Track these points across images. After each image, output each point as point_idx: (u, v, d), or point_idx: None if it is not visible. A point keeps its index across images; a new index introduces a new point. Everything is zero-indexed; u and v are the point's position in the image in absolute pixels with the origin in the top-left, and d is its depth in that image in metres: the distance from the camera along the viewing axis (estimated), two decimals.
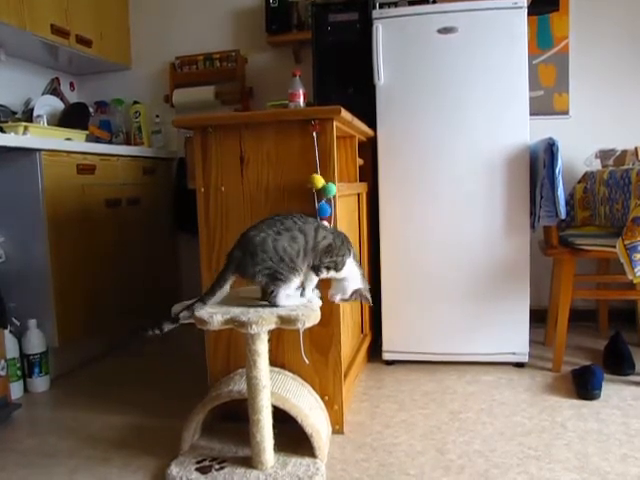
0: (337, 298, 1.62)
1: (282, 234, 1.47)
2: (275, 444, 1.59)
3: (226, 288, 1.51)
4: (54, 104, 3.13)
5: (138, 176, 3.12)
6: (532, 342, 2.45)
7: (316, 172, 1.74)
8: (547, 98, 2.99)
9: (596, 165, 2.63)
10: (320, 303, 1.57)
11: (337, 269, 1.55)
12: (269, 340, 1.54)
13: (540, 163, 2.21)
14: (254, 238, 1.46)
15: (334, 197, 1.75)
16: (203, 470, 1.58)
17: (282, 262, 1.46)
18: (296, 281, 1.50)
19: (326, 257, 1.52)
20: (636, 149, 2.46)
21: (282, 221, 1.50)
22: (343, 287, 1.61)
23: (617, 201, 2.19)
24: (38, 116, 2.90)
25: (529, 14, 2.29)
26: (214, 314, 1.45)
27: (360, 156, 2.35)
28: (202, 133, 1.85)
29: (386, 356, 2.50)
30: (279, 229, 1.47)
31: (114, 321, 2.83)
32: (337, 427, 1.84)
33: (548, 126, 2.94)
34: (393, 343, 2.48)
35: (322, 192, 1.72)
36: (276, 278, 1.47)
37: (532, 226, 2.33)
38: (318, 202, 1.73)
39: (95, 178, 2.73)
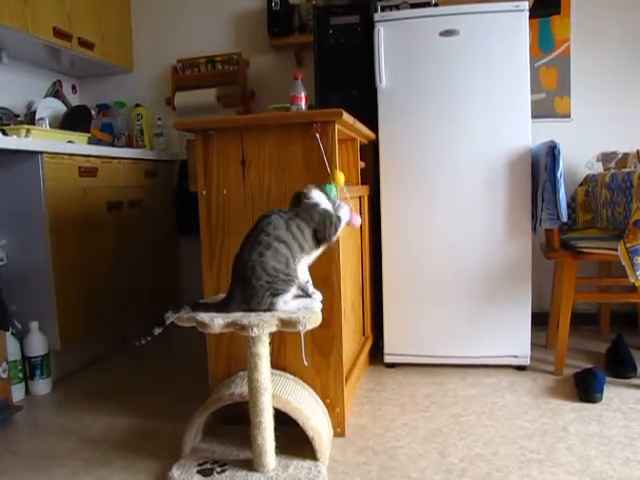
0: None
1: (264, 253, 1.46)
2: (276, 447, 1.59)
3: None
4: (56, 107, 3.14)
5: (140, 179, 3.13)
6: (534, 345, 2.44)
7: (318, 174, 1.74)
8: (549, 101, 2.99)
9: (598, 168, 2.63)
10: (321, 306, 1.57)
11: (335, 227, 1.58)
12: (270, 342, 1.54)
13: (542, 166, 2.21)
14: (245, 271, 1.47)
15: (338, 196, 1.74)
16: (204, 473, 1.58)
17: (277, 278, 1.47)
18: (293, 290, 1.52)
19: (325, 232, 1.56)
20: (638, 152, 2.46)
21: (257, 239, 1.48)
22: None
23: (619, 204, 2.19)
24: (40, 119, 2.90)
25: (530, 17, 2.29)
26: (215, 317, 1.45)
27: (362, 159, 2.35)
28: (204, 136, 1.85)
29: (387, 359, 2.50)
30: (260, 250, 1.46)
31: (115, 323, 2.83)
32: (338, 430, 1.84)
33: (550, 129, 2.94)
34: (394, 346, 2.48)
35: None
36: (276, 294, 1.48)
37: (534, 229, 2.33)
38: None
39: (97, 181, 2.73)
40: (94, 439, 1.91)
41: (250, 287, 1.47)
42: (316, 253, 1.58)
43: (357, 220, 1.76)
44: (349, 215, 1.65)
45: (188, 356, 2.79)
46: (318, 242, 1.56)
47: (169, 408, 2.14)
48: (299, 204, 1.58)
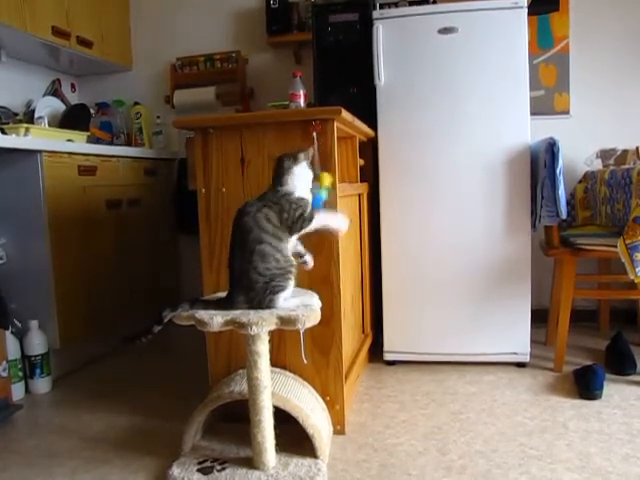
0: None
1: (252, 260, 1.47)
2: (276, 445, 1.59)
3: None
4: (55, 105, 3.14)
5: (139, 177, 3.13)
6: (533, 342, 2.44)
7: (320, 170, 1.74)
8: (548, 98, 2.99)
9: (597, 165, 2.63)
10: (320, 303, 1.57)
11: (307, 217, 1.52)
12: (270, 340, 1.54)
13: (541, 163, 2.21)
14: (242, 278, 1.48)
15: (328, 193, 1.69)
16: (204, 471, 1.58)
17: (274, 275, 1.48)
18: (292, 283, 1.52)
19: (293, 224, 1.50)
20: (637, 148, 2.46)
21: (241, 247, 1.48)
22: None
23: (618, 201, 2.19)
24: (39, 117, 2.90)
25: (529, 14, 2.29)
26: (214, 315, 1.45)
27: (361, 156, 2.35)
28: (203, 134, 1.85)
29: (387, 356, 2.50)
30: (247, 258, 1.47)
31: (115, 322, 2.83)
32: (338, 427, 1.84)
33: (549, 126, 2.93)
34: (394, 343, 2.48)
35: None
36: (276, 292, 1.49)
37: (533, 226, 2.33)
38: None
39: (96, 179, 2.73)
40: (94, 437, 1.91)
41: (251, 290, 1.48)
42: (295, 238, 1.54)
43: (342, 226, 1.65)
44: (326, 220, 1.59)
45: (187, 354, 2.80)
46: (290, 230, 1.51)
47: (169, 406, 2.14)
48: (275, 186, 1.54)
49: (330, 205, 1.75)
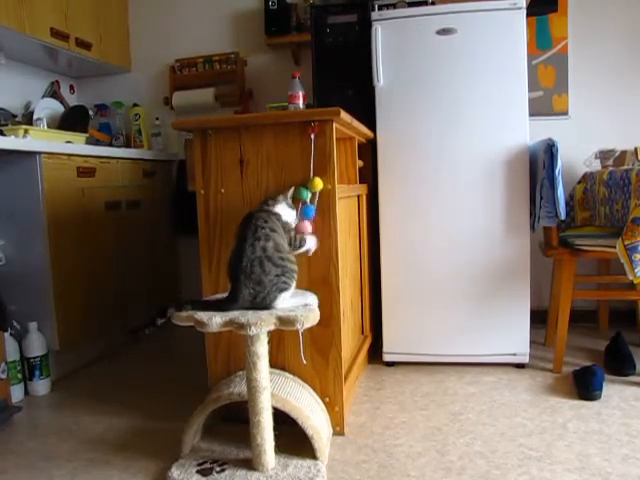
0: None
1: (266, 247, 1.50)
2: (276, 446, 1.59)
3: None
4: (54, 107, 3.14)
5: (138, 179, 3.13)
6: (532, 343, 2.45)
7: (315, 173, 1.75)
8: (546, 99, 2.99)
9: (596, 166, 2.63)
10: (317, 302, 1.58)
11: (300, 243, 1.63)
12: (269, 341, 1.55)
13: (540, 164, 2.21)
14: (253, 268, 1.49)
15: (315, 199, 1.76)
16: (204, 472, 1.58)
17: (285, 268, 1.50)
18: (294, 285, 1.55)
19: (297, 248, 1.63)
20: (636, 149, 2.46)
21: (255, 235, 1.51)
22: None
23: (617, 201, 2.19)
24: (38, 119, 2.90)
25: (528, 15, 2.29)
26: (213, 316, 1.45)
27: (360, 158, 2.35)
28: (202, 135, 1.85)
29: (386, 357, 2.50)
30: (262, 245, 1.50)
31: (114, 324, 2.83)
32: (338, 428, 1.84)
33: (548, 127, 2.94)
34: (393, 344, 2.48)
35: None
36: (283, 289, 1.52)
37: (532, 227, 2.33)
38: (302, 205, 1.74)
39: (95, 181, 2.73)
40: (93, 439, 1.91)
41: (259, 283, 1.48)
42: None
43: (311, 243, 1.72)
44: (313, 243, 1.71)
45: (187, 356, 2.79)
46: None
47: (168, 408, 2.14)
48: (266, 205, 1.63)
49: (330, 207, 1.76)
